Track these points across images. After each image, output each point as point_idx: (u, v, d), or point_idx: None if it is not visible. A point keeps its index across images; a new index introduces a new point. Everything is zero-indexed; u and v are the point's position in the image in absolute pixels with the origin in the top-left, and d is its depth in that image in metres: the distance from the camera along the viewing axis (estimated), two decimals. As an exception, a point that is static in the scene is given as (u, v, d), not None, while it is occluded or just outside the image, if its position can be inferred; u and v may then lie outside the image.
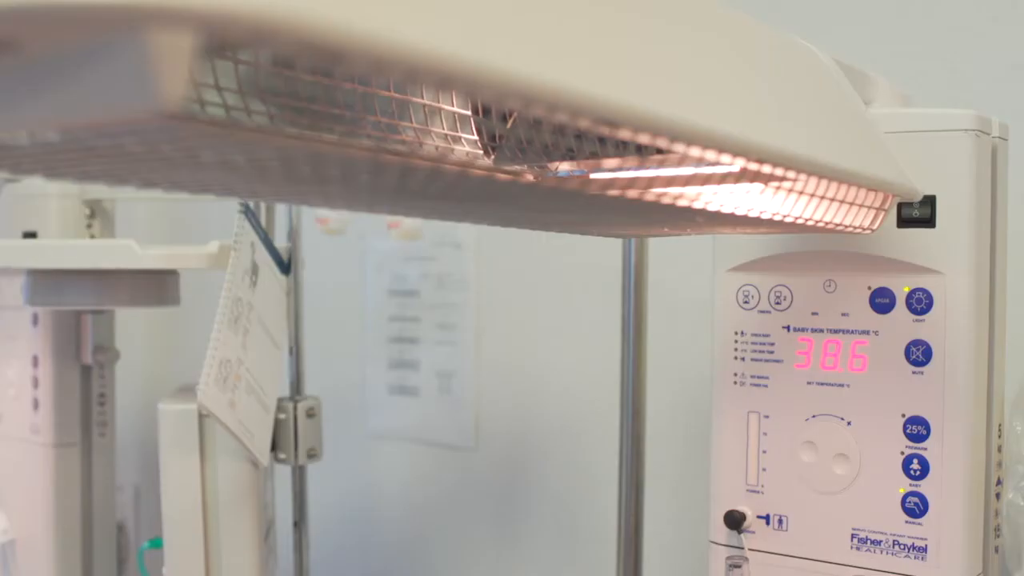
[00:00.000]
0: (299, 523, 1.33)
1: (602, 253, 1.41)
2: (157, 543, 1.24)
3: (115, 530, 1.63)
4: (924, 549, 0.87)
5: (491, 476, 1.62)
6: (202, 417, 1.19)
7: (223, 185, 0.48)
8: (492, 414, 1.61)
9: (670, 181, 0.56)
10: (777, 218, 0.63)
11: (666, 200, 0.56)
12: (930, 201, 0.86)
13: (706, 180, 0.56)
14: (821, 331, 0.92)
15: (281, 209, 1.31)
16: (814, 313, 0.92)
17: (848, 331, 0.90)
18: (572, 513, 1.52)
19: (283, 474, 1.35)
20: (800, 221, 0.65)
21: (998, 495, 0.91)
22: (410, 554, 1.71)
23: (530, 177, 0.52)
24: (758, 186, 0.60)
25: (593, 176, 0.52)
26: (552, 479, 1.54)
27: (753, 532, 0.95)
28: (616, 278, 1.21)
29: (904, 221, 0.87)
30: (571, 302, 1.52)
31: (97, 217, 1.55)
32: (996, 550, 0.91)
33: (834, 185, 0.64)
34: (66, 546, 1.53)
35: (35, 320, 1.52)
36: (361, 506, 1.77)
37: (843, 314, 0.90)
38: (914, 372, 0.87)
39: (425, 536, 1.69)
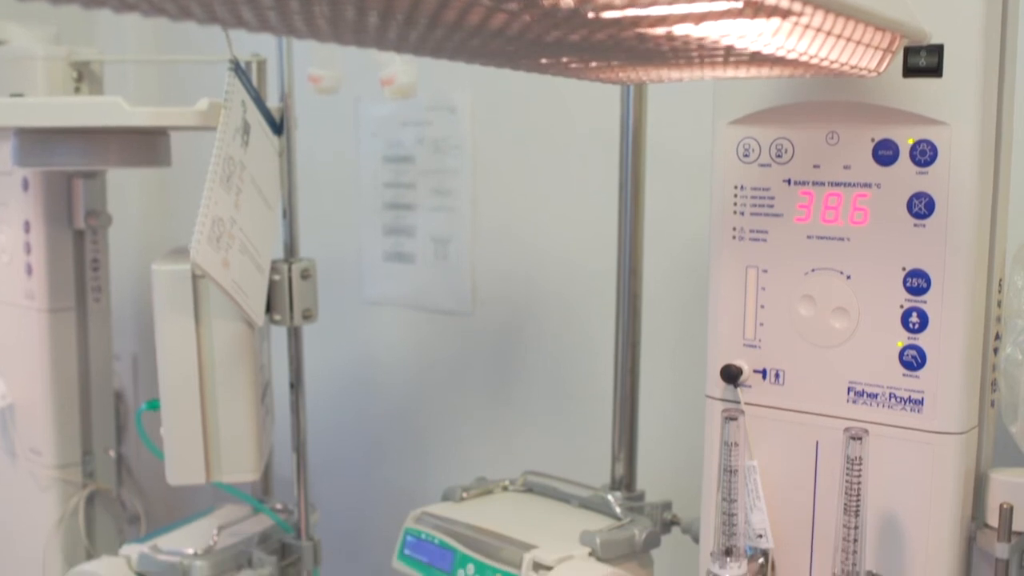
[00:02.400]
0: (296, 385, 1.32)
1: (600, 116, 1.39)
2: (154, 405, 1.24)
3: (113, 398, 1.63)
4: (920, 402, 0.87)
5: (488, 341, 1.62)
6: (196, 278, 1.18)
7: (204, 6, 0.46)
8: (488, 280, 1.61)
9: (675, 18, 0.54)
10: (782, 53, 0.60)
11: (667, 33, 0.54)
12: (937, 50, 0.84)
13: (714, 15, 0.53)
14: (822, 184, 0.90)
15: (273, 68, 1.29)
16: (815, 166, 0.90)
17: (850, 184, 0.89)
18: (569, 376, 1.52)
19: (279, 338, 1.35)
20: (805, 59, 0.63)
21: (996, 350, 0.90)
22: (407, 419, 1.72)
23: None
24: (767, 21, 0.58)
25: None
26: (549, 343, 1.54)
27: (750, 386, 0.95)
28: (614, 141, 1.19)
29: (910, 70, 0.85)
30: (568, 166, 1.50)
31: (85, 80, 1.51)
32: (992, 404, 0.91)
33: (842, 21, 0.62)
34: (64, 412, 1.53)
35: (25, 185, 1.50)
36: (358, 373, 1.78)
37: (845, 167, 0.89)
38: (916, 225, 0.86)
39: (422, 401, 1.70)
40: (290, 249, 1.30)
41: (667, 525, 1.17)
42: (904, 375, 0.87)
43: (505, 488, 1.26)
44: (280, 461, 1.48)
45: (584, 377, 1.50)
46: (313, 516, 1.38)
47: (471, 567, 1.09)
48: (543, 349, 1.55)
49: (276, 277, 1.25)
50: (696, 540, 1.06)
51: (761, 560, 0.94)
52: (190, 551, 1.30)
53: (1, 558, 1.61)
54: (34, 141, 1.31)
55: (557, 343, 1.53)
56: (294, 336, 1.31)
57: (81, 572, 1.31)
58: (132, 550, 1.33)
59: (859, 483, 0.84)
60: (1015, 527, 0.87)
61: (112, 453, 1.59)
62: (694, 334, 1.21)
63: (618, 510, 1.15)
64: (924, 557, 0.88)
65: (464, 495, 1.22)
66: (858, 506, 0.85)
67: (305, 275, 1.26)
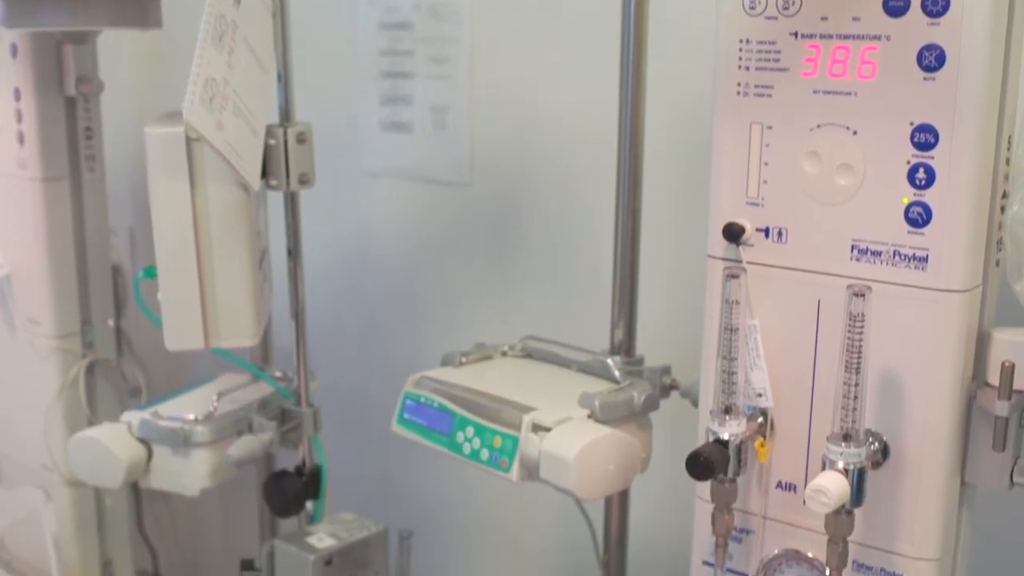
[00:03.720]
0: (293, 252, 1.31)
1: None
2: (151, 272, 1.23)
3: (111, 271, 1.62)
4: (925, 259, 0.86)
5: (486, 212, 1.60)
6: (190, 140, 1.16)
7: None
8: (487, 149, 1.58)
9: None
10: None
11: None
12: None
13: None
14: (830, 37, 0.87)
15: (264, -74, 1.24)
16: (823, 18, 0.88)
17: (858, 36, 0.86)
18: (568, 243, 1.51)
19: (276, 208, 1.33)
20: None
21: (1003, 208, 0.89)
22: (405, 290, 1.71)
23: None
24: None
25: None
26: (548, 211, 1.53)
27: (752, 245, 0.93)
28: (615, 5, 1.16)
29: (923, -84, 0.82)
30: (568, 32, 1.47)
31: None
32: (997, 264, 0.90)
33: None
34: (62, 282, 1.53)
35: (14, 51, 1.47)
36: (356, 244, 1.76)
37: (854, 18, 0.86)
38: (925, 79, 0.84)
39: (421, 272, 1.69)
40: (285, 113, 1.28)
41: (666, 389, 1.16)
42: (909, 232, 0.86)
43: (504, 354, 1.26)
44: (279, 332, 1.48)
45: (584, 244, 1.48)
46: (313, 384, 1.38)
47: (470, 429, 1.09)
48: (542, 217, 1.54)
49: (271, 142, 1.23)
50: (695, 404, 1.06)
51: (760, 419, 0.94)
52: (191, 417, 1.31)
53: (3, 427, 1.62)
54: (20, 1, 1.27)
55: (557, 211, 1.52)
56: (291, 202, 1.30)
57: (82, 438, 1.32)
58: (133, 416, 1.33)
59: (860, 340, 0.84)
60: (1016, 385, 0.86)
61: (111, 323, 1.58)
62: (695, 201, 1.20)
63: (617, 374, 1.15)
64: (924, 416, 0.88)
65: (463, 360, 1.22)
66: (859, 364, 0.84)
67: (301, 139, 1.24)
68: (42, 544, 1.47)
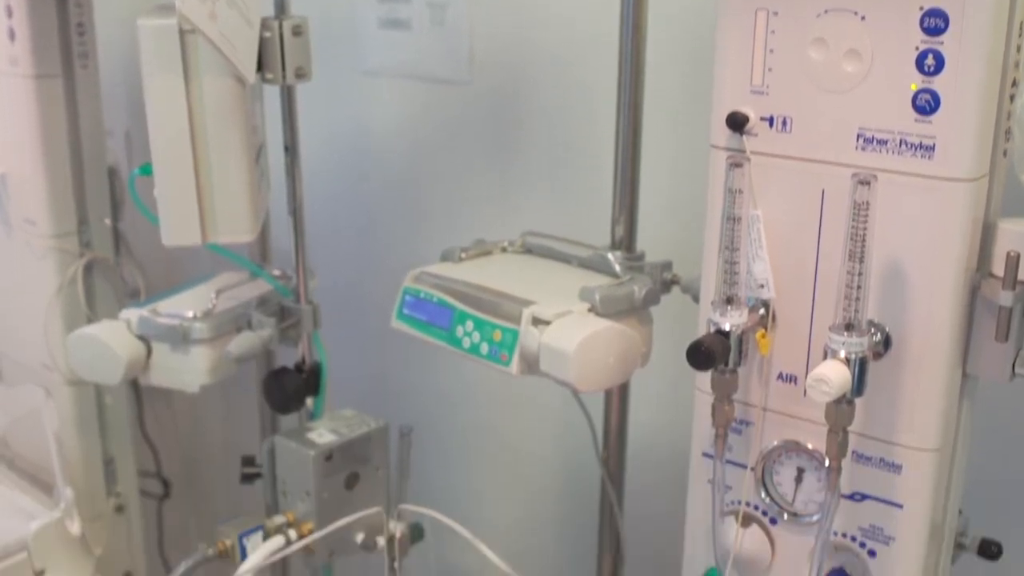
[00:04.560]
0: (290, 148, 1.30)
1: None
2: (147, 169, 1.21)
3: (107, 172, 1.61)
4: (931, 148, 0.84)
5: (486, 110, 1.58)
6: (184, 32, 1.14)
7: None
8: (488, 45, 1.56)
9: None
10: None
11: None
12: None
13: None
14: (839, -82, 0.85)
15: None
16: (833, -102, 0.85)
17: (869, -83, 0.84)
18: (569, 139, 1.49)
19: (272, 108, 1.31)
20: None
21: (1012, 97, 0.87)
22: (405, 188, 1.70)
23: None
24: None
25: None
26: (549, 107, 1.51)
27: (756, 135, 0.92)
28: None
29: None
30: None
31: None
32: (1004, 154, 0.89)
33: None
34: (57, 181, 1.51)
35: (2, -57, 1.44)
36: (354, 143, 1.74)
37: (864, -102, 0.84)
38: (936, -40, 0.82)
39: (420, 170, 1.68)
40: (281, 5, 1.25)
41: (667, 284, 1.16)
42: (916, 120, 0.84)
43: (504, 250, 1.25)
44: (277, 232, 1.47)
45: (585, 140, 1.46)
46: (312, 281, 1.38)
47: (470, 323, 1.08)
48: (543, 114, 1.52)
49: (267, 34, 1.20)
50: (696, 299, 1.05)
51: (762, 311, 0.93)
52: (189, 314, 1.31)
53: (3, 327, 1.62)
54: None
55: (557, 107, 1.50)
56: (287, 96, 1.28)
57: (81, 335, 1.32)
58: (132, 314, 1.33)
59: (864, 230, 0.83)
60: (1020, 276, 0.86)
61: (108, 222, 1.57)
62: (697, 96, 1.18)
63: (618, 268, 1.14)
64: (927, 307, 0.87)
65: (462, 256, 1.22)
66: (862, 253, 0.83)
67: (297, 32, 1.22)
68: (44, 442, 1.47)
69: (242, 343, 1.27)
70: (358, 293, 1.69)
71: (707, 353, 0.89)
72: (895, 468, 0.91)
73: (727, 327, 0.90)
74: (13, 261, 1.56)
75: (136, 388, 1.76)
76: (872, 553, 0.94)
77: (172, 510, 1.93)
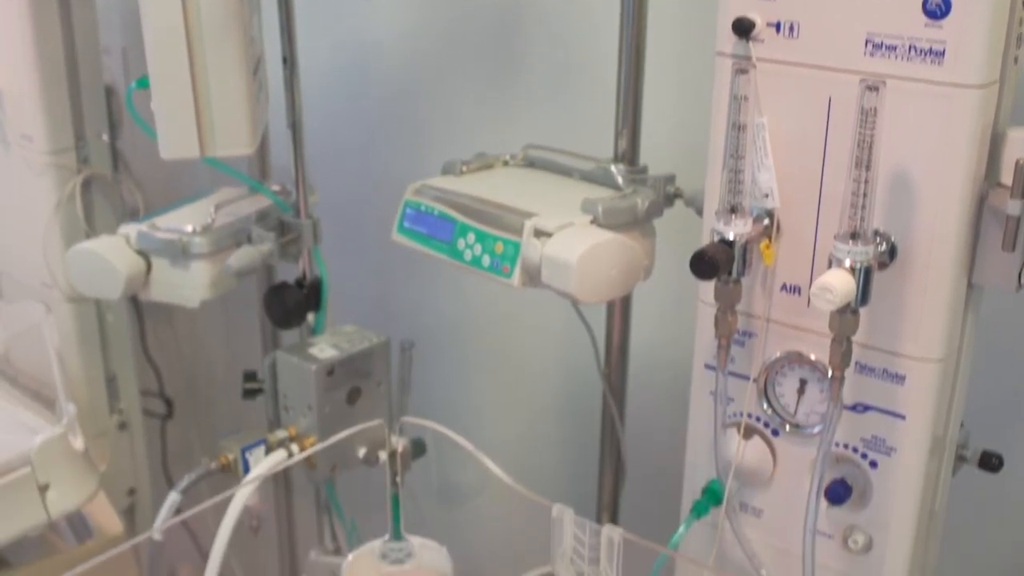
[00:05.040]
0: (289, 60, 1.28)
1: None
2: (143, 83, 1.19)
3: (103, 89, 1.59)
4: (941, 53, 0.83)
5: (488, 21, 1.55)
6: (178, -60, 1.12)
7: None
8: (488, -44, 1.53)
9: None
10: None
11: None
12: None
13: None
14: None
15: None
16: None
17: None
18: (572, 54, 1.47)
19: (270, 21, 1.29)
20: None
21: (1025, 1, 0.85)
22: (405, 102, 1.67)
23: None
24: None
25: None
26: (551, 18, 1.48)
27: (762, 41, 0.90)
28: None
29: None
30: None
31: None
32: (1015, 60, 0.87)
33: None
34: (53, 96, 1.49)
35: None
36: (353, 57, 1.72)
37: None
38: None
39: (421, 84, 1.65)
40: (277, -87, 1.23)
41: (670, 198, 1.14)
42: (926, 25, 0.83)
43: (506, 163, 1.24)
44: (276, 150, 1.45)
45: (588, 51, 1.44)
46: (312, 196, 1.37)
47: (471, 236, 1.07)
48: (545, 24, 1.49)
49: (263, -58, 1.18)
50: (699, 213, 1.04)
51: (766, 221, 0.92)
52: (189, 229, 1.30)
53: (2, 246, 1.61)
54: None
55: (560, 18, 1.47)
56: (285, 6, 1.26)
57: (80, 251, 1.31)
58: (130, 229, 1.32)
59: (872, 137, 0.81)
60: (1029, 185, 0.85)
61: (105, 137, 1.56)
62: (703, 4, 1.15)
63: (621, 181, 1.13)
64: (933, 216, 0.86)
65: (464, 169, 1.20)
66: (869, 161, 0.82)
67: (294, -61, 1.20)
68: (45, 358, 1.47)
69: (242, 257, 1.26)
70: (358, 208, 1.67)
71: (710, 262, 0.88)
72: (898, 379, 0.91)
73: (731, 236, 0.89)
74: (11, 178, 1.55)
75: (137, 307, 1.75)
76: (874, 464, 0.94)
77: (175, 429, 1.94)
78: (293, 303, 1.34)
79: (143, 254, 1.30)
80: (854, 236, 0.83)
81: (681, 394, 1.06)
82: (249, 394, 1.39)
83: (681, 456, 1.07)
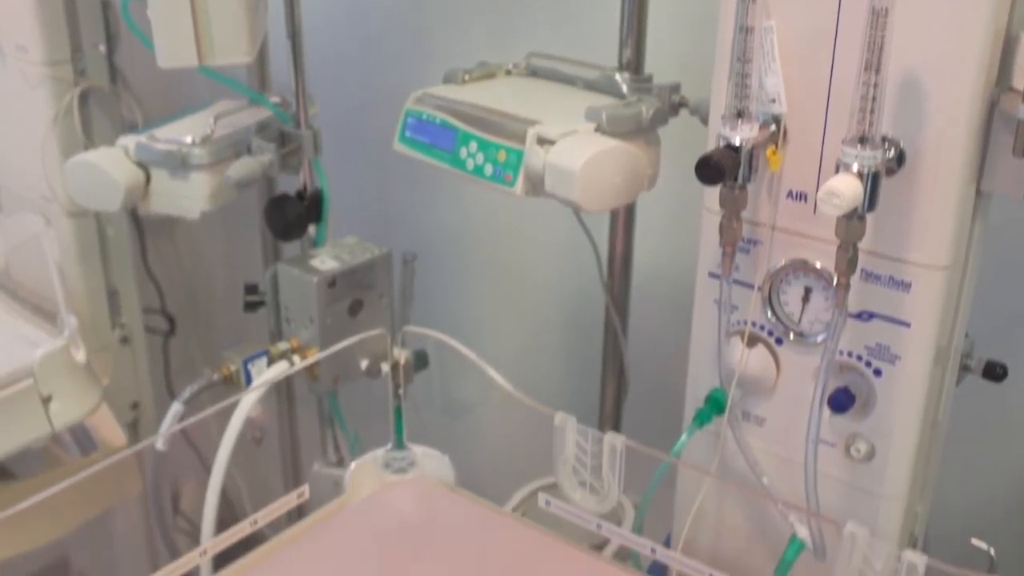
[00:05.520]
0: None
1: None
2: (140, -10, 1.17)
3: (100, 1, 1.56)
4: (955, -48, 0.81)
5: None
6: None
7: None
8: None
9: None
10: None
11: None
12: None
13: None
14: None
15: None
16: None
17: None
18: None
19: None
20: None
21: (1041, -101, 0.83)
22: (405, 13, 1.65)
23: None
24: None
25: None
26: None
27: (771, -60, 0.88)
28: None
29: None
30: None
31: None
32: (1030, -39, 0.85)
33: None
34: (49, 8, 1.47)
35: None
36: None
37: None
38: None
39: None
40: None
41: (675, 107, 1.13)
42: (940, -78, 0.81)
43: (508, 72, 1.22)
44: (276, 61, 1.43)
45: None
46: (312, 107, 1.35)
47: (473, 144, 1.06)
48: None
49: None
50: (704, 121, 1.03)
51: (773, 127, 0.91)
52: (188, 140, 1.28)
53: (1, 160, 1.59)
54: None
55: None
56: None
57: (79, 162, 1.30)
58: (129, 141, 1.31)
59: (883, 38, 0.79)
60: (1041, 89, 0.83)
61: (102, 48, 1.54)
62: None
63: (625, 89, 1.11)
64: (943, 120, 0.85)
65: (466, 78, 1.18)
66: (879, 63, 0.80)
67: None
68: (45, 272, 1.46)
69: (241, 168, 1.25)
70: (359, 119, 1.65)
71: (716, 167, 0.86)
72: (904, 287, 0.90)
73: (737, 141, 0.88)
74: (8, 91, 1.53)
75: (137, 222, 1.74)
76: (877, 372, 0.94)
77: (178, 345, 1.94)
78: (294, 215, 1.33)
79: (142, 166, 1.29)
80: (862, 141, 0.82)
81: (684, 307, 1.05)
82: (250, 307, 1.39)
83: (683, 371, 1.06)
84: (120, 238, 1.63)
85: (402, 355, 1.23)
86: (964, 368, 1.01)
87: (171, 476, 1.87)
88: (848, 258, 0.86)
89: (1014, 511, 1.32)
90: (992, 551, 1.02)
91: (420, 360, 1.31)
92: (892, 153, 0.86)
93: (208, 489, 1.22)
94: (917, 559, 0.86)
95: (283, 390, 1.58)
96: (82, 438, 1.54)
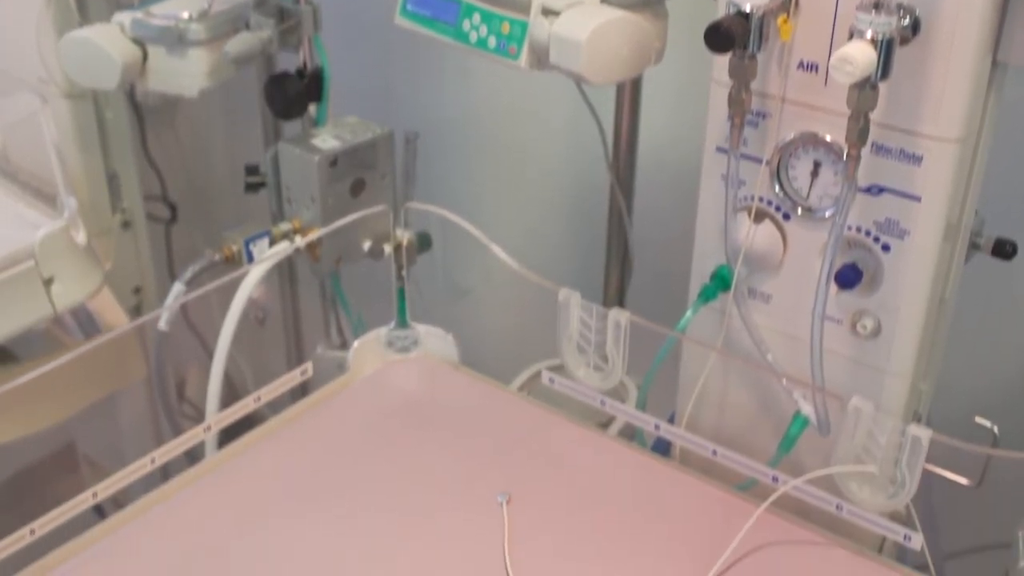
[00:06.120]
0: None
1: None
2: None
3: None
4: None
5: None
6: None
7: None
8: None
9: None
10: None
11: None
12: None
13: None
14: None
15: None
16: None
17: None
18: None
19: None
20: None
21: None
22: None
23: None
24: None
25: None
26: None
27: None
28: None
29: None
30: None
31: None
32: None
33: None
34: None
35: None
36: None
37: None
38: None
39: None
40: None
41: (683, -19, 1.10)
42: None
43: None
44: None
45: None
46: (311, -19, 1.32)
47: (477, 16, 1.03)
48: None
49: None
50: (715, -4, 1.00)
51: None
52: (185, 15, 1.25)
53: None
54: None
55: None
56: None
57: (74, 38, 1.28)
58: (124, 17, 1.28)
59: (901, -102, 0.77)
60: (1063, -47, 0.80)
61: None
62: None
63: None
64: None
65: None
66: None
67: None
68: (44, 154, 1.44)
69: (240, 43, 1.22)
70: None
71: (726, 33, 0.84)
72: (915, 160, 0.88)
73: (748, 8, 0.85)
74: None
75: (137, 109, 1.72)
76: (886, 248, 0.92)
77: (180, 232, 1.93)
78: (294, 92, 1.30)
79: (138, 42, 1.27)
80: (877, 7, 0.80)
81: (690, 189, 1.03)
82: (251, 188, 1.37)
83: (688, 254, 1.05)
84: (119, 121, 1.61)
85: (405, 236, 1.22)
86: (973, 246, 1.00)
87: (176, 363, 1.87)
88: (859, 129, 0.84)
89: (1020, 393, 1.32)
90: (996, 429, 1.02)
91: (423, 241, 1.30)
92: (907, 20, 0.84)
93: (212, 365, 1.22)
94: (921, 433, 0.86)
95: (285, 272, 1.57)
96: (85, 322, 1.54)
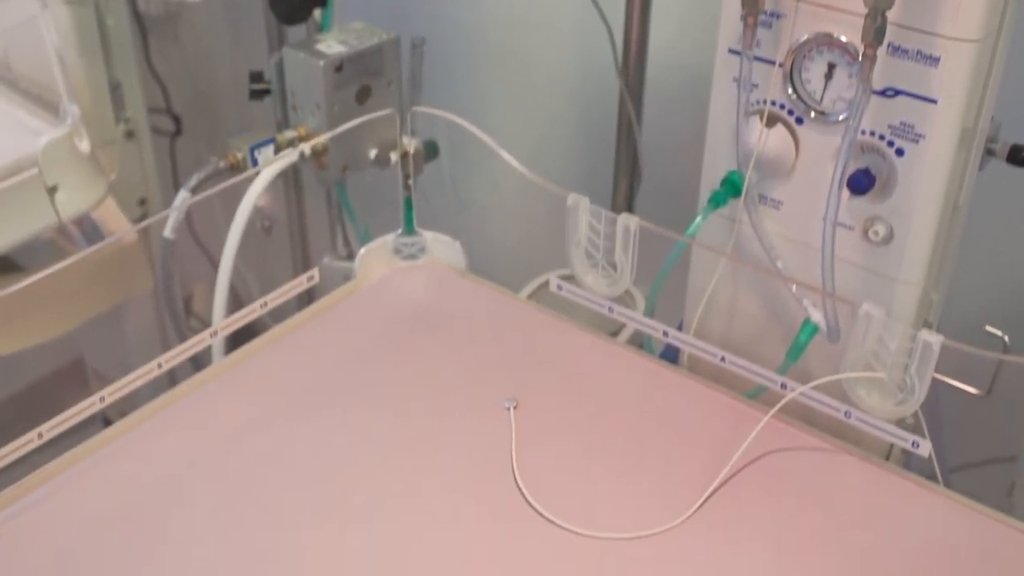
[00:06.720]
0: None
1: None
2: None
3: None
4: None
5: None
6: None
7: None
8: None
9: None
10: None
11: None
12: None
13: None
14: None
15: None
16: None
17: None
18: None
19: None
20: None
21: None
22: None
23: None
24: None
25: None
26: None
27: None
28: None
29: None
30: None
31: None
32: None
33: None
34: None
35: None
36: None
37: None
38: None
39: None
40: None
41: None
42: None
43: None
44: None
45: None
46: None
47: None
48: None
49: None
50: None
51: None
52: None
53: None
54: None
55: None
56: None
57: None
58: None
59: None
60: None
61: None
62: None
63: None
64: None
65: None
66: None
67: None
68: (45, 61, 1.42)
69: (243, -55, 1.20)
70: None
71: (741, -73, 0.82)
72: (932, 61, 0.86)
73: (764, -98, 0.83)
74: None
75: (139, 20, 1.69)
76: (900, 152, 0.91)
77: (184, 145, 1.91)
78: (298, -4, 1.28)
79: (140, -56, 1.24)
80: (897, -101, 0.78)
81: (700, 98, 1.02)
82: (256, 95, 1.35)
83: (698, 165, 1.04)
84: (121, 28, 1.58)
85: (412, 143, 1.20)
86: (988, 152, 0.98)
87: (182, 277, 1.87)
88: (876, 28, 0.83)
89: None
90: (1006, 338, 1.01)
91: (430, 149, 1.29)
92: (927, -84, 0.82)
93: (219, 271, 1.21)
94: (932, 339, 0.85)
95: (291, 181, 1.56)
96: (90, 231, 1.53)
